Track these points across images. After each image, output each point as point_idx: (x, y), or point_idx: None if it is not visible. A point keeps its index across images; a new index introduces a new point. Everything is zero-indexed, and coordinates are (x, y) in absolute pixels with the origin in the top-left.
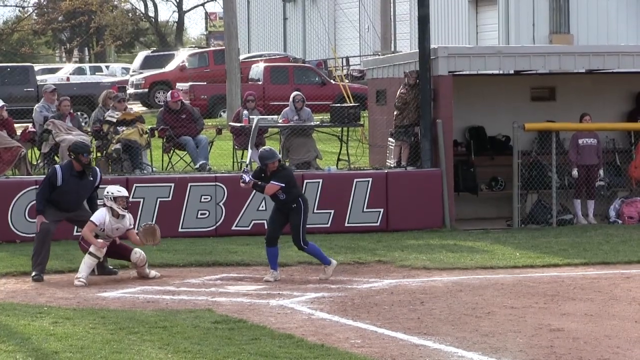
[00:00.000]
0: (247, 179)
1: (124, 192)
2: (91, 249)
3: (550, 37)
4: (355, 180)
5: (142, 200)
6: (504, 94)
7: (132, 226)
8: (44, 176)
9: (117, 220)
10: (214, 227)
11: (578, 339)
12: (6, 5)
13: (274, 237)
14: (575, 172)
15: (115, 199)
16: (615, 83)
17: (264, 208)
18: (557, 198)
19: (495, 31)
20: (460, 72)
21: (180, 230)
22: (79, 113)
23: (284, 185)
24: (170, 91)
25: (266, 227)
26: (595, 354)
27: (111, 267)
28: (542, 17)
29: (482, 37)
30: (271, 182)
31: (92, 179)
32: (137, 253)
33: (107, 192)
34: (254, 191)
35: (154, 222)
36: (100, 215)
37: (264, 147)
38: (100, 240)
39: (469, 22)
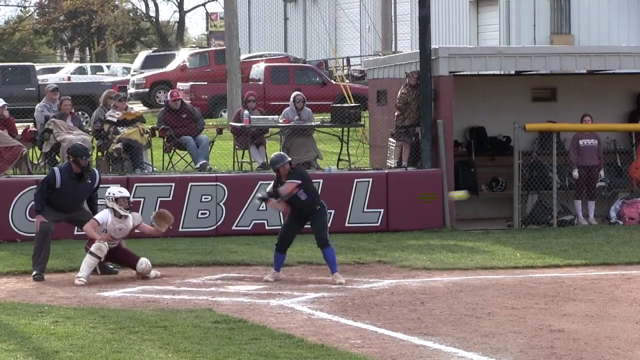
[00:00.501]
0: (262, 196)
1: (125, 192)
2: (92, 248)
3: (551, 38)
4: (355, 180)
5: (142, 199)
6: (505, 95)
7: (140, 222)
8: (45, 176)
9: (119, 221)
10: (215, 226)
11: (579, 339)
12: (8, 5)
13: (287, 243)
14: (575, 173)
15: (116, 199)
16: (616, 84)
17: (264, 208)
18: (558, 199)
19: (496, 32)
20: (461, 73)
21: (180, 229)
22: (80, 112)
23: (300, 182)
24: (170, 90)
25: (279, 232)
26: (596, 355)
27: (112, 266)
28: (543, 18)
29: (483, 37)
30: (287, 181)
31: (90, 181)
32: (143, 264)
33: (109, 193)
34: (254, 191)
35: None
36: (103, 215)
37: (274, 153)
38: (100, 235)
39: (470, 23)
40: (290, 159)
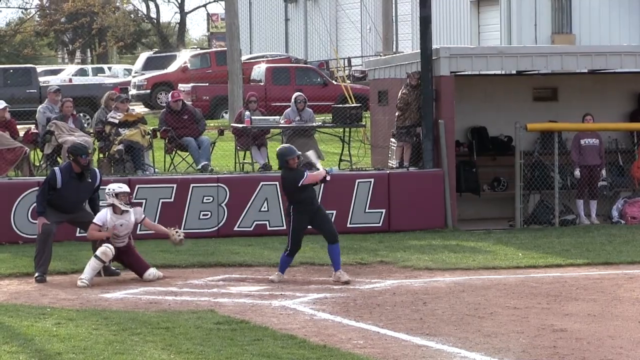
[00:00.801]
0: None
1: (125, 187)
2: (98, 252)
3: (552, 38)
4: (357, 180)
5: (144, 201)
6: (506, 95)
7: (142, 216)
8: (45, 177)
9: (118, 217)
10: (216, 228)
11: (581, 339)
12: (9, 7)
13: (300, 247)
14: (577, 173)
15: (117, 195)
16: (617, 83)
17: (265, 209)
18: (560, 198)
19: (497, 31)
20: (462, 73)
21: (182, 231)
22: (81, 114)
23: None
24: (171, 92)
25: (291, 237)
26: (599, 355)
27: (114, 267)
28: (544, 18)
29: (484, 37)
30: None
31: (90, 180)
32: (151, 275)
33: (109, 190)
34: (256, 192)
35: (156, 221)
36: (102, 215)
37: (282, 145)
38: (104, 233)
39: (471, 23)
40: (299, 152)
